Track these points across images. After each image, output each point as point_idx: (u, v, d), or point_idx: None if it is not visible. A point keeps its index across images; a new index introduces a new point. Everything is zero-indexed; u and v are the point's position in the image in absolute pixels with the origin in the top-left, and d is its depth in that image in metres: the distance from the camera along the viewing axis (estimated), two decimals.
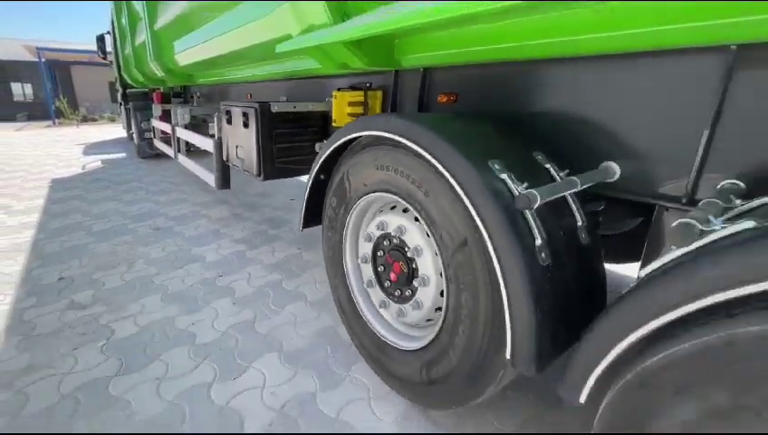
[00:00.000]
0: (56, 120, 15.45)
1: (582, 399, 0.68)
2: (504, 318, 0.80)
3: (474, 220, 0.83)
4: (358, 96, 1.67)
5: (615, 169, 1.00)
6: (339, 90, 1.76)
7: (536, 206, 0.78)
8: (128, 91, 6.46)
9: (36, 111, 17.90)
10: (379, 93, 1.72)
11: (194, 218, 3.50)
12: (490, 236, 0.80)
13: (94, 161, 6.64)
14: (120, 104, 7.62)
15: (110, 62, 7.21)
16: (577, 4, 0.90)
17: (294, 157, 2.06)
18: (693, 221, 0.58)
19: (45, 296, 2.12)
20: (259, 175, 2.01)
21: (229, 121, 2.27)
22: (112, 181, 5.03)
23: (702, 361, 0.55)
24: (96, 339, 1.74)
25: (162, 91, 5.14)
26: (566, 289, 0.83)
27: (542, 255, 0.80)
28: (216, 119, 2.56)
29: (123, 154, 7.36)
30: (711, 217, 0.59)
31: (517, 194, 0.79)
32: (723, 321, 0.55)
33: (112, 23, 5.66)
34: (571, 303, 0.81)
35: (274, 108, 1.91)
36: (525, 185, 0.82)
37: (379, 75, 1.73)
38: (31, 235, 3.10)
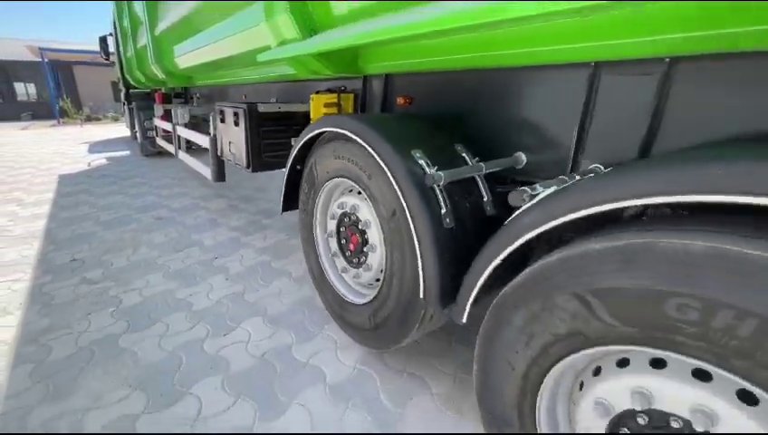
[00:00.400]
0: (60, 120, 15.62)
1: (464, 319, 0.93)
2: (419, 268, 1.05)
3: (398, 195, 1.07)
4: (332, 98, 1.91)
5: (522, 158, 1.25)
6: (317, 92, 2.00)
7: (443, 183, 1.02)
8: (131, 91, 6.62)
9: (40, 111, 18.05)
10: (351, 96, 1.96)
11: (194, 210, 3.74)
12: (408, 206, 1.04)
13: (99, 159, 6.86)
14: (124, 104, 7.80)
15: (113, 62, 7.38)
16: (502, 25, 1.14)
17: (280, 151, 2.30)
18: (525, 188, 0.83)
19: (60, 274, 2.37)
20: (248, 167, 2.26)
21: (222, 120, 2.51)
22: (117, 177, 5.26)
23: (527, 284, 0.80)
24: (106, 307, 1.99)
25: (164, 91, 5.34)
26: (468, 246, 1.07)
27: (447, 220, 1.04)
28: (211, 118, 2.80)
29: (127, 152, 7.57)
30: (538, 187, 0.84)
31: (432, 176, 1.04)
32: (541, 255, 0.80)
33: (114, 24, 5.83)
34: (472, 257, 1.05)
35: (261, 108, 2.16)
36: (436, 168, 1.07)
37: (353, 80, 1.97)
38: (43, 224, 3.34)
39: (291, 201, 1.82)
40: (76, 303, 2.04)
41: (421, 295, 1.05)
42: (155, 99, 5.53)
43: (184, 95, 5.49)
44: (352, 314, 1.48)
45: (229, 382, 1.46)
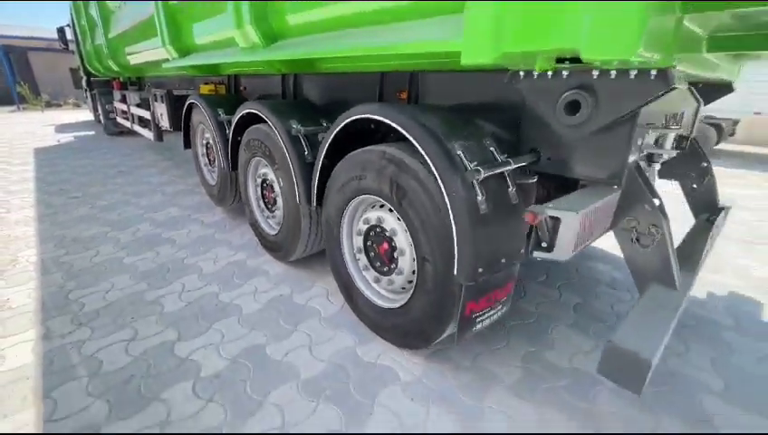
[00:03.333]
0: (20, 106, 15.10)
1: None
2: (220, 155, 2.52)
3: (212, 129, 2.51)
4: (211, 87, 3.27)
5: None
6: (205, 83, 3.35)
7: (230, 117, 2.48)
8: (92, 79, 7.10)
9: None
10: (224, 86, 3.33)
11: (147, 167, 4.93)
12: (216, 135, 2.49)
13: (67, 137, 7.55)
14: (86, 90, 8.24)
15: (72, 51, 7.73)
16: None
17: None
18: None
19: (54, 194, 3.60)
20: (171, 127, 3.58)
21: (156, 100, 3.78)
22: (86, 149, 6.19)
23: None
24: (87, 205, 3.29)
25: (121, 80, 6.16)
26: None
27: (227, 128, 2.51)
28: (150, 98, 4.04)
29: (92, 132, 8.24)
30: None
31: (222, 118, 2.47)
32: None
33: (72, 19, 6.37)
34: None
35: (175, 92, 3.47)
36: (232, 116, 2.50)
37: (224, 76, 3.33)
38: (32, 175, 4.42)
39: (187, 142, 3.22)
40: (68, 204, 3.32)
41: (225, 168, 2.53)
42: (113, 86, 6.34)
43: (138, 83, 6.35)
44: (212, 188, 2.96)
45: (153, 223, 2.88)
